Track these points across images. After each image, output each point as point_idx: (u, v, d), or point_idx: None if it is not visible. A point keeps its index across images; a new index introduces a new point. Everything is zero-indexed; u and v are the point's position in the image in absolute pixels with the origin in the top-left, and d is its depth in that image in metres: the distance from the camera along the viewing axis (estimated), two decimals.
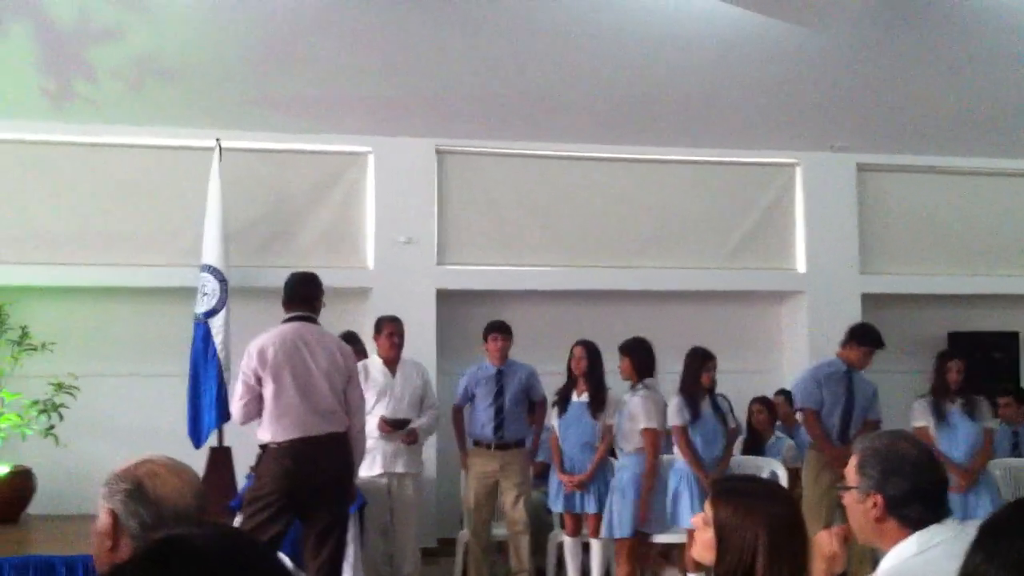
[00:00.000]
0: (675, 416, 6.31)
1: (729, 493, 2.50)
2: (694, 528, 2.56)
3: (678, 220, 8.75)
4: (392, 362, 6.66)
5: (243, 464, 6.35)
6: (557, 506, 6.54)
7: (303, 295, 5.36)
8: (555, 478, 6.53)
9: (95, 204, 7.68)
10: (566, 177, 8.59)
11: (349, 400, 5.29)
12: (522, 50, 7.37)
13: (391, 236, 8.09)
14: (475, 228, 8.39)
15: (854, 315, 8.24)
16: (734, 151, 8.77)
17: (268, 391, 5.10)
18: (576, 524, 6.54)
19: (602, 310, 8.61)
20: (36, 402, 6.95)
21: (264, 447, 5.20)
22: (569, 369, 6.63)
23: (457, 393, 6.99)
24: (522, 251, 8.44)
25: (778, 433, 7.70)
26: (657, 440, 6.14)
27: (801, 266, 8.89)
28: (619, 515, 6.12)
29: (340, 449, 5.22)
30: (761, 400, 7.84)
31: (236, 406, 5.22)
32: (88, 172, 7.71)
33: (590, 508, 6.42)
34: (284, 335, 5.21)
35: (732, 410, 6.59)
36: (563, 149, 8.51)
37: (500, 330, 6.88)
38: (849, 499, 2.57)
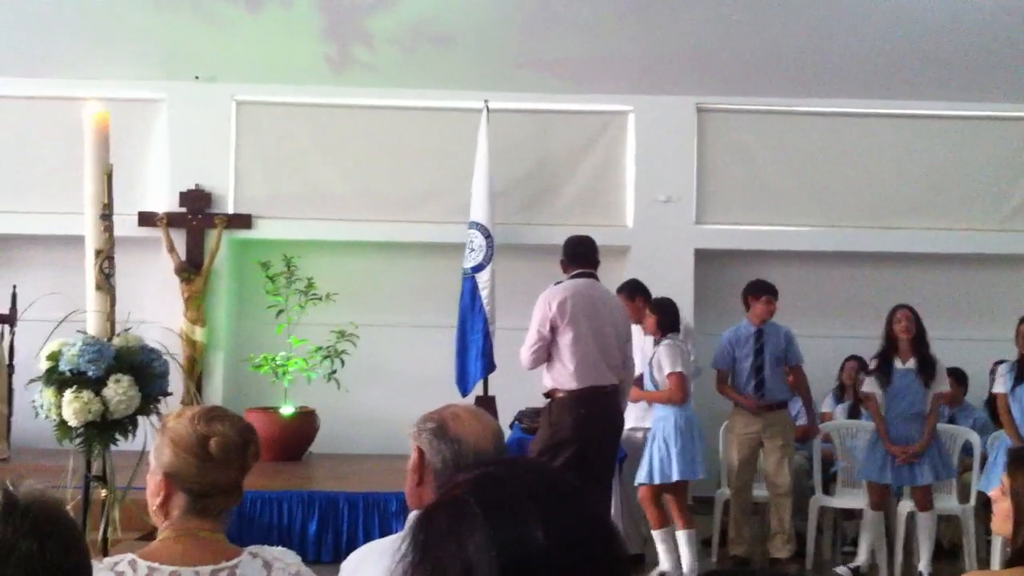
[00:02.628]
0: (999, 383, 6.16)
1: None
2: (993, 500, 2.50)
3: (949, 179, 8.30)
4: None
5: (507, 413, 6.61)
6: (884, 478, 6.21)
7: (586, 256, 5.59)
8: (879, 449, 6.22)
9: (372, 164, 8.12)
10: (829, 134, 8.32)
11: (627, 357, 5.52)
12: (785, 4, 7.20)
13: (651, 195, 8.13)
14: (735, 187, 8.28)
15: None
16: (1015, 105, 8.22)
17: (565, 339, 5.31)
18: (881, 496, 6.31)
19: (863, 272, 8.37)
20: (320, 348, 7.47)
21: (551, 395, 5.43)
22: (889, 334, 6.32)
23: (717, 355, 6.93)
24: (782, 211, 8.26)
25: None
26: (683, 383, 5.95)
27: None
28: (666, 461, 5.94)
29: (619, 401, 5.47)
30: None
31: (526, 351, 5.45)
32: (366, 134, 8.16)
33: (926, 479, 6.14)
34: (578, 289, 5.44)
35: None
36: (827, 105, 8.24)
37: (772, 292, 6.69)
38: None
